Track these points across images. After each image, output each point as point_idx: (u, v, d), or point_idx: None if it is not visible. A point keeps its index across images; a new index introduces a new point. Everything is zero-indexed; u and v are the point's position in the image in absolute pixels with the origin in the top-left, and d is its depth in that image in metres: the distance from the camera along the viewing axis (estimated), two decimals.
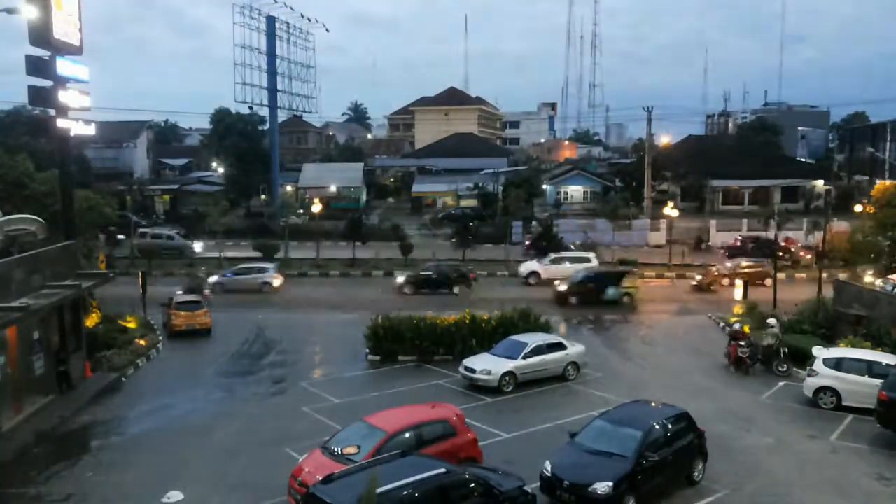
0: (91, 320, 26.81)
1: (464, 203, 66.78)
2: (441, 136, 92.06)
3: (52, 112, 25.13)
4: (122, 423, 20.38)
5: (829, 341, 24.27)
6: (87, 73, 25.20)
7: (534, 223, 52.17)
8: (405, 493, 12.21)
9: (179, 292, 33.54)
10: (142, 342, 27.63)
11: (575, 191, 69.19)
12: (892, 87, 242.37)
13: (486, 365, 22.73)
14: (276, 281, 39.33)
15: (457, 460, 15.04)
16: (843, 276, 34.14)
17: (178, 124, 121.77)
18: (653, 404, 17.28)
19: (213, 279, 38.94)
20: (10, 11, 23.17)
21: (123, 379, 24.12)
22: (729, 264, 41.16)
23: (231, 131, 70.01)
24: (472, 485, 13.15)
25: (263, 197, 67.32)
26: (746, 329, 25.74)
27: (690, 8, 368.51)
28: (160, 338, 29.10)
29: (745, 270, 38.19)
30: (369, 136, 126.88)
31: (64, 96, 24.23)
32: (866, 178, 73.11)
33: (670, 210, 48.78)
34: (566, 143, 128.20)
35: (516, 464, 16.27)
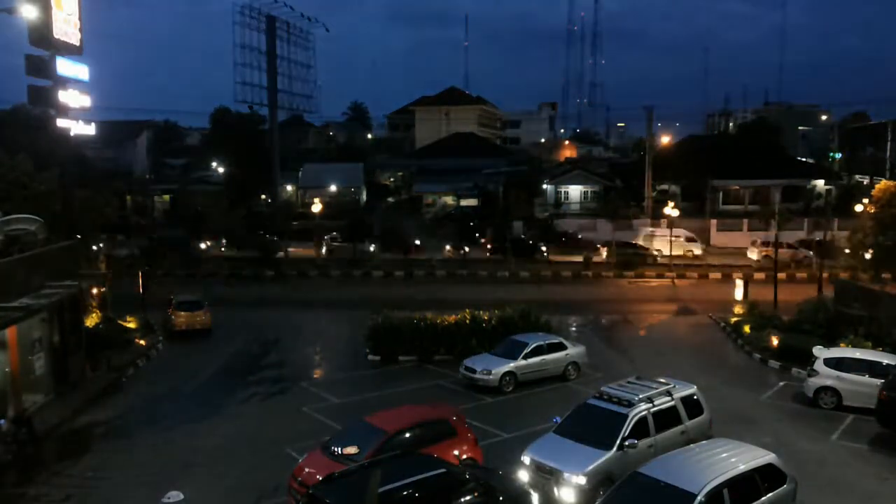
0: (91, 320, 26.81)
1: (464, 203, 66.75)
2: (441, 136, 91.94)
3: (52, 112, 25.12)
4: (122, 422, 20.38)
5: (830, 341, 24.26)
6: (87, 72, 25.17)
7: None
8: (405, 493, 12.19)
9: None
10: (142, 342, 27.66)
11: (575, 190, 69.09)
12: (893, 86, 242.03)
13: (487, 365, 22.72)
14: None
15: (457, 460, 15.04)
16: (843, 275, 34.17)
17: (179, 124, 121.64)
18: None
19: None
20: (9, 11, 23.14)
21: (123, 379, 24.12)
22: None
23: (231, 131, 69.99)
24: (472, 485, 13.13)
25: (264, 197, 67.32)
26: None
27: (692, 6, 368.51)
28: (160, 338, 29.11)
29: None
30: (369, 135, 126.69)
31: (64, 96, 24.20)
32: (867, 177, 73.03)
33: (671, 210, 48.77)
34: (566, 142, 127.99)
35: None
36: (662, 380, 17.18)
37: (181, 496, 12.47)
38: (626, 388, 16.53)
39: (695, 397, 16.84)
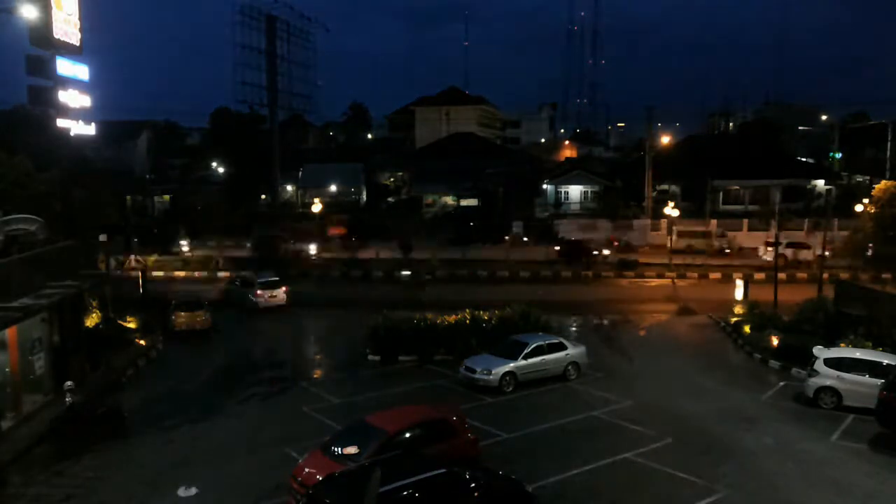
0: (91, 320, 26.81)
1: (464, 203, 66.77)
2: (441, 136, 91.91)
3: (52, 112, 25.12)
4: (121, 422, 20.35)
5: (830, 341, 24.25)
6: (86, 72, 25.19)
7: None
8: (405, 493, 12.20)
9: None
10: (142, 342, 27.64)
11: (575, 190, 69.14)
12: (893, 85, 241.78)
13: (487, 365, 22.72)
14: None
15: (457, 460, 15.03)
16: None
17: (179, 124, 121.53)
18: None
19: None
20: (9, 11, 23.15)
21: (123, 379, 24.12)
22: None
23: (231, 131, 70.10)
24: (472, 485, 13.14)
25: (264, 197, 67.36)
26: None
27: (693, 6, 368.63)
28: (160, 338, 29.10)
29: None
30: (369, 135, 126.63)
31: (64, 96, 24.20)
32: (867, 177, 73.00)
33: (671, 210, 48.78)
34: (566, 142, 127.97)
35: (516, 464, 16.28)
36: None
37: (195, 490, 12.54)
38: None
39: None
